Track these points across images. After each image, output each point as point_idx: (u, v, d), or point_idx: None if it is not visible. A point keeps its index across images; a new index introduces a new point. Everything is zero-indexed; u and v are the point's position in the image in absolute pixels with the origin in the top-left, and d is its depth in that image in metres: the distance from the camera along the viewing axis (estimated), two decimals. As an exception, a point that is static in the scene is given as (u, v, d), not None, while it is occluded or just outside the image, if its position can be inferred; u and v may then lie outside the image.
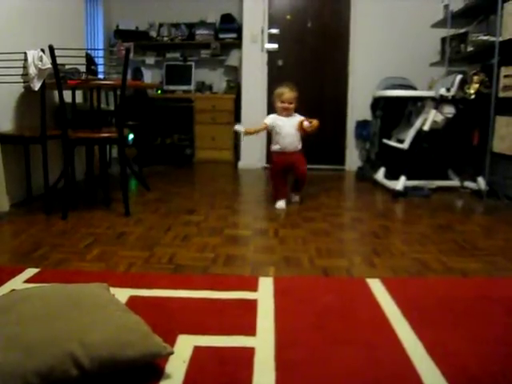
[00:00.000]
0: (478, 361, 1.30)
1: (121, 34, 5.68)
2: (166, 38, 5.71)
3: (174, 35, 5.71)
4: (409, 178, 3.72)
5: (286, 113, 3.27)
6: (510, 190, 3.43)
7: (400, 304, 1.66)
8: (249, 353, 1.33)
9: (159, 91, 5.63)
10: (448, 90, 3.70)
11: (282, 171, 3.30)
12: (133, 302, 1.62)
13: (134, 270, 2.02)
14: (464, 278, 1.97)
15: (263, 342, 1.39)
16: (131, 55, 5.30)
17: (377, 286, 1.82)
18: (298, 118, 3.28)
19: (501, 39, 3.50)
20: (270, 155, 3.42)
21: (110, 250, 2.27)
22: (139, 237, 2.51)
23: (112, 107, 4.55)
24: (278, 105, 3.27)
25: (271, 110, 5.33)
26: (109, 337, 1.20)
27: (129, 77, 5.07)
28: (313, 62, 5.16)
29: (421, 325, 1.50)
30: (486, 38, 3.79)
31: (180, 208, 3.19)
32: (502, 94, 3.50)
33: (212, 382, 1.20)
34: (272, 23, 5.15)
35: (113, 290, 1.58)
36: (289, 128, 3.24)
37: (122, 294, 1.67)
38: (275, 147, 3.30)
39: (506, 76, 3.45)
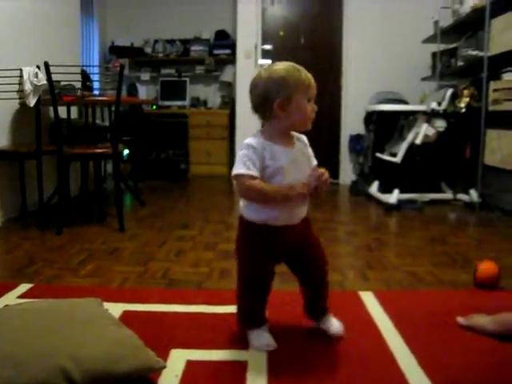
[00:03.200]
0: (470, 373, 1.31)
1: (116, 51, 5.74)
2: (160, 54, 5.78)
3: (168, 51, 5.77)
4: (402, 191, 3.75)
5: (301, 130, 1.43)
6: (503, 202, 3.47)
7: (392, 317, 1.67)
8: (242, 367, 1.34)
9: (154, 107, 5.68)
10: (439, 103, 3.75)
11: (269, 272, 1.48)
12: (126, 317, 1.62)
13: (128, 285, 2.02)
14: (455, 291, 1.99)
15: (256, 356, 1.40)
16: (126, 71, 5.36)
17: (369, 299, 1.83)
18: (307, 149, 1.48)
19: (489, 54, 3.56)
20: (242, 230, 1.46)
21: (104, 266, 2.28)
22: (133, 252, 2.52)
23: (107, 123, 4.57)
24: (301, 106, 1.34)
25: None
26: (101, 351, 1.20)
27: (124, 93, 5.15)
28: (306, 77, 5.20)
29: (413, 337, 1.51)
30: (474, 52, 3.85)
31: (174, 223, 3.20)
32: (491, 108, 3.55)
33: (205, 396, 1.20)
34: (265, 39, 5.23)
35: (106, 305, 1.59)
36: (298, 168, 1.39)
37: (116, 309, 1.67)
38: (256, 214, 1.40)
39: (495, 90, 3.50)
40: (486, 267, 2.00)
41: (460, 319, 1.61)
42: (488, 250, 2.57)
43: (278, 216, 1.39)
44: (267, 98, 1.33)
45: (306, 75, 1.36)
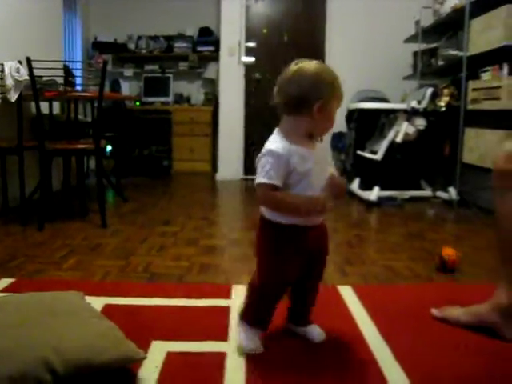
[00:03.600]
0: (444, 366, 1.35)
1: (99, 46, 5.71)
2: (144, 51, 5.77)
3: (152, 48, 5.77)
4: (382, 189, 3.81)
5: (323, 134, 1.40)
6: (480, 200, 3.54)
7: (369, 310, 1.71)
8: (221, 357, 1.36)
9: (137, 103, 5.66)
10: (419, 102, 3.81)
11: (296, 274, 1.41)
12: (108, 310, 1.64)
13: (110, 279, 2.03)
14: (431, 284, 2.04)
15: (235, 348, 1.42)
16: (109, 67, 5.33)
17: (348, 293, 1.87)
18: (325, 148, 1.45)
19: (468, 54, 3.64)
20: (268, 232, 1.38)
21: (85, 260, 2.28)
22: (115, 248, 2.52)
23: (89, 119, 4.55)
24: (334, 113, 1.33)
25: (249, 122, 5.44)
26: (83, 343, 1.22)
27: (107, 89, 5.13)
28: (289, 75, 5.25)
29: (389, 330, 1.55)
30: (454, 52, 3.92)
31: (157, 219, 3.21)
32: (470, 107, 3.63)
33: (184, 386, 1.23)
34: (249, 37, 5.25)
35: (88, 299, 1.60)
36: (321, 169, 1.36)
37: (98, 303, 1.68)
38: (285, 216, 1.34)
39: (473, 89, 3.58)
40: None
41: (434, 311, 1.65)
42: (464, 245, 2.62)
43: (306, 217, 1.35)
44: (308, 98, 1.27)
45: (335, 75, 1.32)
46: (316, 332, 1.49)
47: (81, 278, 2.04)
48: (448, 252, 2.21)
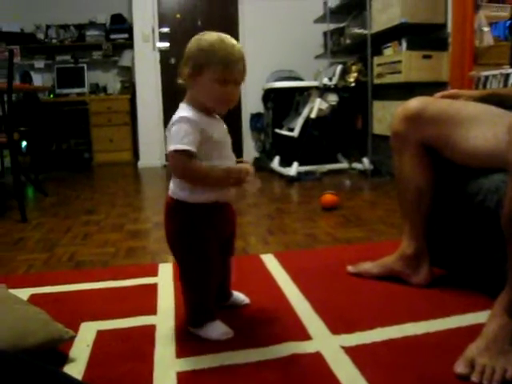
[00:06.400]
0: (354, 309, 1.50)
1: (4, 37, 5.43)
2: (54, 40, 5.55)
3: (63, 37, 5.56)
4: (301, 164, 3.96)
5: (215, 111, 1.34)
6: (391, 167, 3.77)
7: (290, 272, 1.82)
8: (150, 329, 1.41)
9: (51, 95, 5.47)
10: (330, 79, 3.99)
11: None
12: (34, 300, 1.63)
13: (34, 271, 2.01)
14: (348, 245, 2.19)
15: (164, 319, 1.47)
16: (18, 59, 5.13)
17: (269, 260, 1.97)
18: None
19: (372, 32, 3.84)
20: (185, 216, 1.30)
21: (7, 256, 2.23)
22: (38, 240, 2.48)
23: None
24: (206, 84, 1.25)
25: (167, 108, 5.41)
26: (7, 328, 1.22)
27: (16, 82, 4.91)
28: (205, 59, 5.28)
29: (308, 287, 1.67)
30: (360, 31, 4.13)
31: (80, 210, 3.16)
32: (376, 81, 3.85)
33: (116, 359, 1.26)
34: (162, 22, 5.22)
35: (12, 292, 1.58)
36: (228, 143, 1.35)
37: (23, 294, 1.64)
38: (206, 194, 1.29)
39: (378, 65, 3.80)
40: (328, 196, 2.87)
41: (350, 268, 1.79)
42: (377, 209, 2.82)
43: (227, 191, 1.32)
44: (185, 65, 1.27)
45: (229, 54, 1.26)
46: (241, 297, 1.57)
47: (3, 274, 1.99)
48: (324, 198, 2.86)
